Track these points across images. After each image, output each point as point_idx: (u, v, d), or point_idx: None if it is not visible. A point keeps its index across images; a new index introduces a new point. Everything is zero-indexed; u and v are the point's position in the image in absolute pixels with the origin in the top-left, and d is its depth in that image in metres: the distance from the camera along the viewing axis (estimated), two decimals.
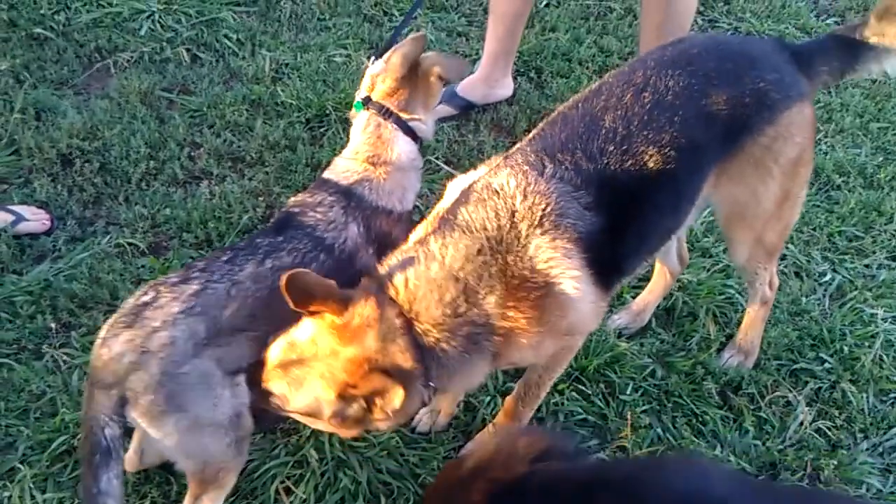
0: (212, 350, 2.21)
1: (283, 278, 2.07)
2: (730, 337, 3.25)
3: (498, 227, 2.20)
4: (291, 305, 2.10)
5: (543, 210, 2.21)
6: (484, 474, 2.05)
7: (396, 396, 2.04)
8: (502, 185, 2.27)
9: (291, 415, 2.23)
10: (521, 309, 2.21)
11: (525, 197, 2.22)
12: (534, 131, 2.46)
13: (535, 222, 2.20)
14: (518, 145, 2.43)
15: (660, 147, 2.34)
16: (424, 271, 2.18)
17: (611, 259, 2.35)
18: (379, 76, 2.81)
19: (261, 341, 2.26)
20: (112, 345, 2.17)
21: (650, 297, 3.24)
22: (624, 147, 2.32)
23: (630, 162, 2.32)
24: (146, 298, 2.23)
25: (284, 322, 2.29)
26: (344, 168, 2.72)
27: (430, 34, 4.49)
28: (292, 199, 2.70)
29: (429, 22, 4.62)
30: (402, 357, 2.14)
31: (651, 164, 2.33)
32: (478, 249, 2.18)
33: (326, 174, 2.75)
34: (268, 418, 2.36)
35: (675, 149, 2.36)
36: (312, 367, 2.13)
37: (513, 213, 2.21)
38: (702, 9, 5.07)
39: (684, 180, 2.46)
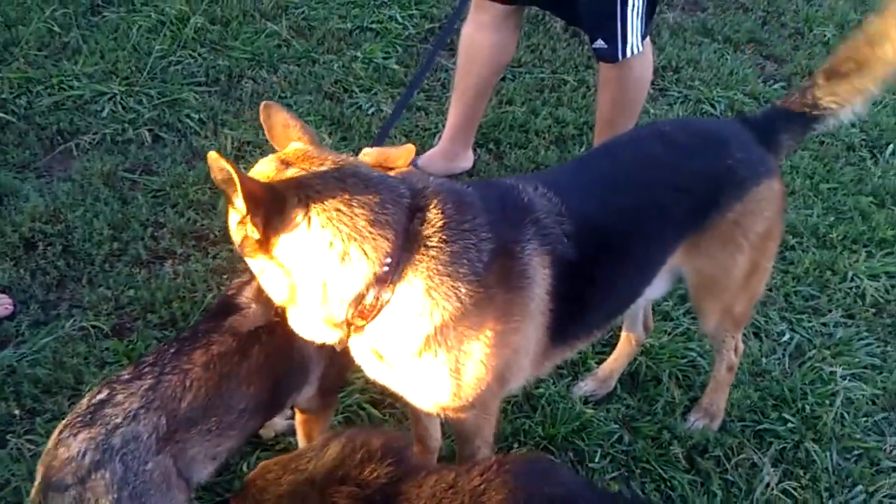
0: (170, 446, 2.16)
1: (262, 107, 2.14)
2: (694, 400, 3.30)
3: (502, 208, 2.26)
4: (269, 136, 2.16)
5: (535, 216, 2.28)
6: (343, 476, 1.96)
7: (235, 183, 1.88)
8: (503, 184, 2.38)
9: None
10: (489, 284, 2.13)
11: (521, 198, 2.31)
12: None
13: (530, 220, 2.26)
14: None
15: (629, 207, 2.46)
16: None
17: (573, 303, 2.36)
18: None
19: (212, 434, 2.26)
20: (70, 444, 2.08)
21: (615, 364, 3.28)
22: (602, 198, 2.45)
23: (605, 213, 2.43)
24: (101, 396, 2.17)
25: (234, 411, 2.32)
26: None
27: (390, 109, 4.58)
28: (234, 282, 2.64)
29: (388, 98, 4.71)
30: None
31: (622, 222, 2.44)
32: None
33: None
34: None
35: (642, 212, 2.47)
36: None
37: (515, 201, 2.29)
38: (651, 78, 5.22)
39: (651, 244, 2.56)
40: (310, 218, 1.99)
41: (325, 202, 1.99)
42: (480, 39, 4.01)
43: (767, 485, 3.04)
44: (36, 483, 2.13)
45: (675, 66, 5.34)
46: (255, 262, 2.09)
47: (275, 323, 2.39)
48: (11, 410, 3.00)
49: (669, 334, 3.53)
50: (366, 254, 2.01)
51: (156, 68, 4.66)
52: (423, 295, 2.07)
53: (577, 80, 5.03)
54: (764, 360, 3.51)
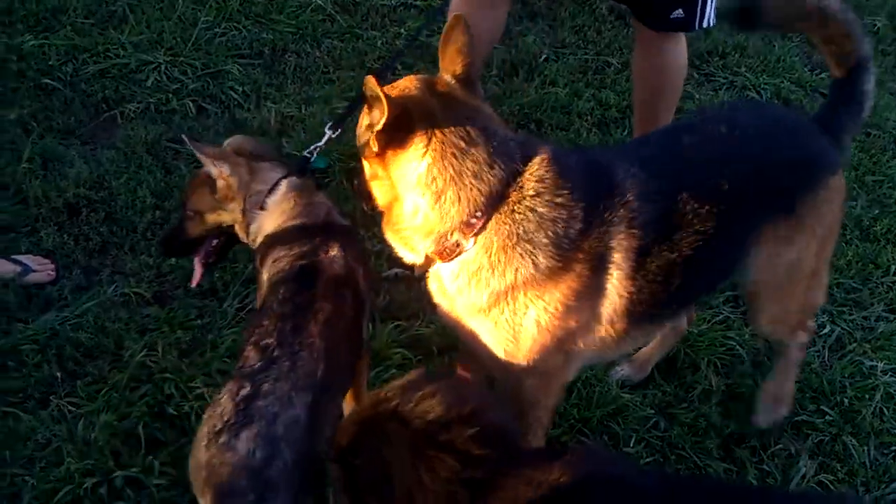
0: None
1: (452, 17, 2.30)
2: (730, 388, 3.28)
3: (598, 186, 2.30)
4: (440, 46, 2.31)
5: (626, 199, 2.30)
6: (448, 443, 1.80)
7: (384, 110, 2.08)
8: (602, 160, 2.39)
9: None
10: (569, 259, 2.22)
11: (617, 178, 2.33)
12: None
13: (622, 202, 2.29)
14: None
15: (717, 193, 2.41)
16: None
17: (655, 287, 2.36)
18: None
19: (338, 397, 2.36)
20: (236, 446, 2.05)
21: (653, 351, 3.26)
22: (691, 182, 2.41)
23: (694, 197, 2.39)
24: (245, 392, 2.13)
25: (347, 369, 2.43)
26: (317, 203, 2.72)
27: None
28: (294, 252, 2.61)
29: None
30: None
31: (710, 207, 2.39)
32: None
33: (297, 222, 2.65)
34: None
35: (730, 199, 2.43)
36: None
37: (611, 181, 2.32)
38: (697, 63, 5.17)
39: (736, 230, 2.50)
40: (426, 150, 2.16)
41: (445, 142, 2.16)
42: (477, 19, 3.59)
43: (803, 476, 3.01)
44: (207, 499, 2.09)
45: (721, 52, 5.28)
46: (369, 166, 2.28)
47: (351, 279, 2.50)
48: (53, 372, 3.04)
49: (709, 322, 3.50)
50: (459, 200, 2.17)
51: (201, 39, 4.66)
52: (499, 252, 2.20)
53: (621, 62, 4.98)
54: None
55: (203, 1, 4.92)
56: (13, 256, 3.39)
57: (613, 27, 5.26)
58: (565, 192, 2.23)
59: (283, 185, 2.68)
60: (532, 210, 2.20)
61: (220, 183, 2.66)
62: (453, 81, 2.28)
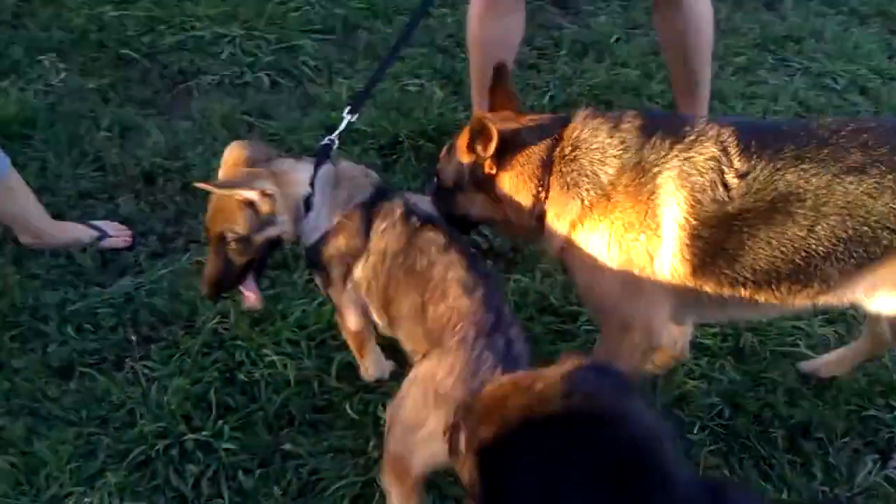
0: None
1: (497, 67, 2.75)
2: (798, 378, 3.23)
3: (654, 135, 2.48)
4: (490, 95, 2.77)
5: (688, 154, 2.43)
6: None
7: (493, 137, 2.49)
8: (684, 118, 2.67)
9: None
10: (609, 191, 2.47)
11: (685, 133, 2.46)
12: None
13: (678, 153, 2.43)
14: None
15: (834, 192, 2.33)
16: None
17: (719, 251, 2.40)
18: None
19: None
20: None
21: (850, 352, 3.18)
22: (801, 166, 2.34)
23: (789, 181, 2.34)
24: (501, 343, 2.34)
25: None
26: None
27: None
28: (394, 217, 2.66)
29: None
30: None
31: (806, 201, 2.34)
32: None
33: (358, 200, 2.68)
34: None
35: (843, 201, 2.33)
36: None
37: (674, 133, 2.48)
38: (772, 48, 5.08)
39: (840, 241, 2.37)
40: (505, 163, 2.57)
41: (513, 152, 2.56)
42: (493, 30, 3.57)
43: (870, 471, 2.96)
44: None
45: (796, 37, 5.17)
46: (472, 195, 2.66)
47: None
48: (128, 336, 3.14)
49: None
50: (525, 182, 2.56)
51: (275, 14, 4.73)
52: (558, 202, 2.54)
53: None
54: None
55: None
56: (91, 222, 3.50)
57: None
58: (600, 138, 2.50)
59: (319, 178, 2.64)
60: (573, 160, 2.51)
61: (264, 202, 2.54)
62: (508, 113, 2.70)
